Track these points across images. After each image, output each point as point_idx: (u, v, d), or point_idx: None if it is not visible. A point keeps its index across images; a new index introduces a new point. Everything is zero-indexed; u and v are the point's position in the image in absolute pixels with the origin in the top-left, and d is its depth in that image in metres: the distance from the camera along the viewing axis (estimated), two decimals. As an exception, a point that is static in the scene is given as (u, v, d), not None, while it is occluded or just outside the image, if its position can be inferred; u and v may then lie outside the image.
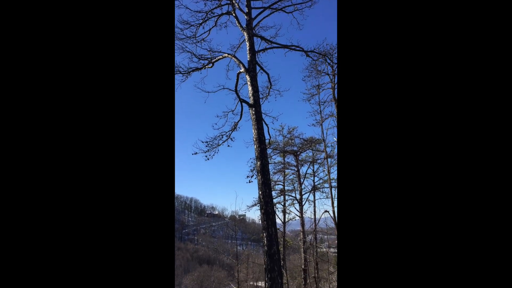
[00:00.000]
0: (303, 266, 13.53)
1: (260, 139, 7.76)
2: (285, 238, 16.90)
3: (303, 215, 15.13)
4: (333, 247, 17.46)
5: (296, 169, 16.74)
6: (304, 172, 16.91)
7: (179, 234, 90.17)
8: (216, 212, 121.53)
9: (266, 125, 9.18)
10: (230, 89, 8.21)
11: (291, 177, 17.58)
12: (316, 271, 13.33)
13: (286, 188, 17.23)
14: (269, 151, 15.99)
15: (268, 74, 8.87)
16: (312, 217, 15.29)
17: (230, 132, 9.94)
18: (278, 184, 17.60)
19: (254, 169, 12.90)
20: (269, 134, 10.70)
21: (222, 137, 9.92)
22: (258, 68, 8.40)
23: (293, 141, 16.37)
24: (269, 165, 16.83)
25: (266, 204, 7.09)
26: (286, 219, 16.64)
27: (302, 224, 14.91)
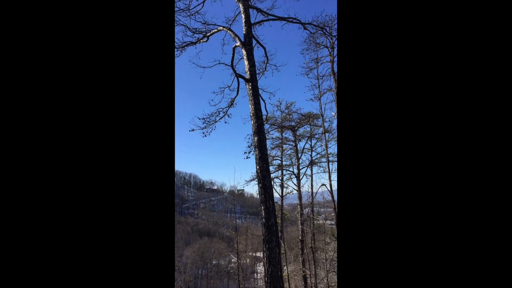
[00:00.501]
0: (300, 237, 14.04)
1: (257, 115, 7.75)
2: (282, 211, 17.38)
3: (301, 189, 15.45)
4: (329, 219, 18.02)
5: (294, 144, 16.85)
6: (302, 147, 17.05)
7: (179, 209, 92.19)
8: (215, 187, 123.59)
9: (263, 100, 9.11)
10: (226, 64, 8.05)
11: (289, 152, 17.74)
12: (312, 242, 13.86)
13: (284, 163, 17.44)
14: (266, 126, 16.00)
15: (264, 48, 8.67)
16: (310, 190, 15.63)
17: (227, 108, 9.88)
18: (276, 159, 17.80)
19: (251, 145, 12.99)
20: (266, 110, 10.63)
21: (219, 114, 9.86)
22: (254, 42, 8.20)
23: (291, 116, 16.34)
24: (267, 140, 16.92)
25: (263, 178, 7.24)
26: (284, 193, 17.01)
27: (300, 198, 15.27)
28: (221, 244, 46.48)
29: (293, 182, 16.71)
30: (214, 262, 41.37)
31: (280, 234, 15.18)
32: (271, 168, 17.48)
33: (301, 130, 17.03)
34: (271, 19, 8.26)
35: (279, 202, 17.25)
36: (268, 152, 17.53)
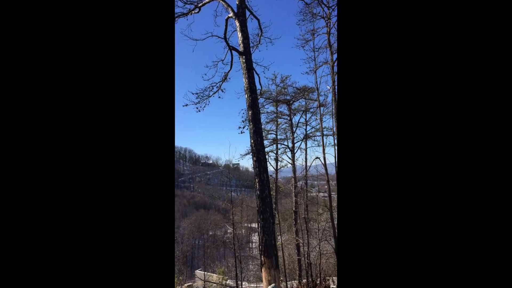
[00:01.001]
0: (294, 209, 14.51)
1: (251, 88, 7.71)
2: (277, 184, 17.77)
3: (295, 163, 15.73)
4: (322, 192, 18.52)
5: (288, 118, 16.89)
6: (297, 121, 17.10)
7: (175, 183, 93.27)
8: (211, 162, 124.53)
9: (257, 74, 9.01)
10: (219, 37, 7.84)
11: (284, 126, 17.81)
12: (306, 213, 14.35)
13: (279, 137, 17.56)
14: (261, 100, 15.90)
15: (258, 20, 8.42)
16: (304, 164, 15.92)
17: (221, 83, 9.77)
18: (270, 134, 17.90)
19: (245, 120, 12.99)
20: (260, 84, 10.54)
21: (213, 88, 9.77)
22: (248, 13, 7.94)
23: (286, 90, 16.21)
24: (262, 114, 16.92)
25: (258, 152, 7.37)
26: (279, 167, 17.29)
27: (294, 171, 15.57)
28: (217, 216, 47.80)
29: (287, 156, 16.96)
30: (210, 233, 42.81)
31: (274, 205, 15.64)
32: (266, 142, 17.66)
33: (296, 104, 17.00)
34: (265, -12, 7.97)
35: (274, 175, 17.58)
36: (263, 126, 17.59)
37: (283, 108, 17.22)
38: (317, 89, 11.07)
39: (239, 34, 7.46)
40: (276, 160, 17.25)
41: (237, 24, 7.48)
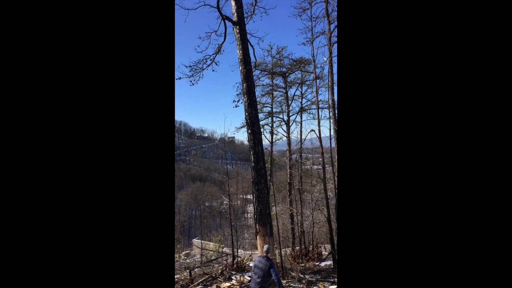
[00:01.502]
0: (288, 180, 14.84)
1: (246, 60, 7.60)
2: (272, 157, 18.00)
3: (290, 136, 15.84)
4: (316, 164, 18.84)
5: (284, 91, 16.72)
6: (292, 94, 16.96)
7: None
8: (206, 135, 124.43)
9: (252, 46, 8.82)
10: (211, 6, 7.55)
11: (279, 99, 17.68)
12: (300, 184, 14.71)
13: (274, 110, 17.49)
14: (257, 72, 15.64)
15: (254, -13, 8.08)
16: (299, 137, 16.05)
17: (214, 55, 9.57)
18: (266, 107, 17.79)
19: (240, 93, 12.86)
20: (254, 56, 10.34)
21: (206, 61, 9.60)
22: (242, -21, 7.61)
23: (282, 62, 15.89)
24: (257, 87, 16.72)
25: (252, 124, 7.43)
26: (274, 140, 17.40)
27: (289, 143, 15.73)
28: (213, 188, 48.74)
29: (282, 129, 17.02)
30: (207, 204, 43.89)
31: (269, 177, 15.97)
32: (261, 115, 17.63)
33: (292, 77, 16.77)
34: (261, -49, 7.58)
35: (269, 148, 17.75)
36: (258, 99, 17.47)
37: (278, 81, 17.01)
38: (314, 61, 10.90)
39: (233, 3, 7.20)
40: (272, 133, 17.32)
41: (232, -9, 7.20)
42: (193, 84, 10.22)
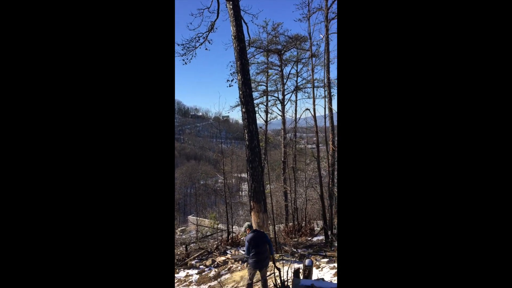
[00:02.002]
0: (282, 159, 15.01)
1: (239, 37, 7.45)
2: (267, 136, 18.07)
3: (285, 114, 15.82)
4: (310, 144, 19.00)
5: (279, 69, 16.51)
6: (288, 72, 16.77)
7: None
8: (200, 114, 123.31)
9: (246, 24, 8.60)
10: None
11: (274, 77, 17.48)
12: (294, 163, 14.91)
13: (269, 89, 17.35)
14: (251, 50, 15.33)
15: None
16: (293, 116, 16.05)
17: (207, 33, 9.33)
18: (261, 85, 17.61)
19: (234, 72, 12.65)
20: (248, 34, 10.12)
21: (199, 39, 9.38)
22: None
23: (277, 39, 15.54)
24: (252, 65, 16.44)
25: (246, 103, 7.40)
26: (269, 119, 17.40)
27: (283, 122, 15.75)
28: (208, 167, 49.09)
29: (277, 108, 16.98)
30: (201, 182, 44.34)
31: (263, 156, 16.12)
32: (256, 94, 17.49)
33: (287, 54, 16.49)
34: None
35: (264, 127, 17.79)
36: (253, 77, 17.26)
37: (274, 59, 16.73)
38: (310, 38, 10.69)
39: (228, -25, 6.95)
40: (266, 112, 17.28)
41: (226, -38, 6.92)
42: (186, 63, 10.03)
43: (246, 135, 7.42)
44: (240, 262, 7.62)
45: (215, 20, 9.09)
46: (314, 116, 10.42)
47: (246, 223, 4.97)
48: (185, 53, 9.52)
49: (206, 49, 10.24)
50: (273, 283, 4.46)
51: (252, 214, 7.43)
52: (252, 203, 7.37)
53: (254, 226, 7.32)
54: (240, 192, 33.84)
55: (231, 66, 16.18)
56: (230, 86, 13.42)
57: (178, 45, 9.05)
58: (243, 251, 4.70)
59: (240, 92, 7.55)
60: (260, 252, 4.59)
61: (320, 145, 10.85)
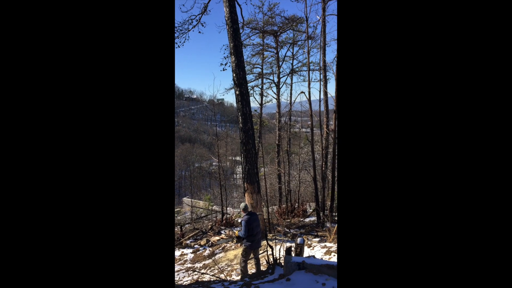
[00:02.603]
0: (277, 142, 15.09)
1: (233, 18, 7.32)
2: (261, 119, 18.05)
3: (280, 98, 15.76)
4: (304, 128, 19.08)
5: (275, 51, 16.27)
6: (283, 54, 16.56)
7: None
8: (195, 96, 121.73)
9: (239, 6, 8.43)
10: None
11: (270, 59, 17.25)
12: (288, 146, 15.02)
13: (265, 71, 17.15)
14: (247, 31, 15.03)
15: None
16: (288, 99, 16.01)
17: (200, 15, 9.13)
18: (256, 67, 17.39)
19: (228, 56, 12.44)
20: (242, 17, 9.95)
21: (192, 22, 9.20)
22: None
23: (273, 19, 15.23)
24: (248, 46, 16.17)
25: (240, 85, 7.36)
26: (263, 102, 17.32)
27: (278, 106, 15.71)
28: (202, 149, 49.13)
29: (272, 91, 16.91)
30: (196, 165, 44.52)
31: (258, 139, 16.20)
32: (251, 77, 17.32)
33: (283, 36, 16.22)
34: None
35: (259, 111, 17.73)
36: (249, 59, 17.01)
37: (269, 40, 16.45)
38: (306, 19, 10.51)
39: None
40: (261, 95, 17.17)
41: None
42: (178, 46, 9.87)
43: (240, 117, 7.43)
44: (234, 241, 7.83)
45: (208, 2, 8.88)
46: (309, 99, 10.42)
47: (243, 204, 5.14)
48: (177, 36, 9.37)
49: (199, 32, 10.15)
50: (266, 260, 4.63)
51: (246, 195, 7.56)
52: (246, 185, 7.48)
53: (248, 207, 7.47)
54: (235, 175, 34.13)
55: (225, 49, 15.86)
56: (224, 70, 13.27)
57: (171, 28, 8.84)
58: (237, 230, 4.88)
59: (234, 75, 7.49)
60: (257, 234, 4.84)
61: (314, 129, 10.92)
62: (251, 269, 5.18)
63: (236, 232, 5.13)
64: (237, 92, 7.40)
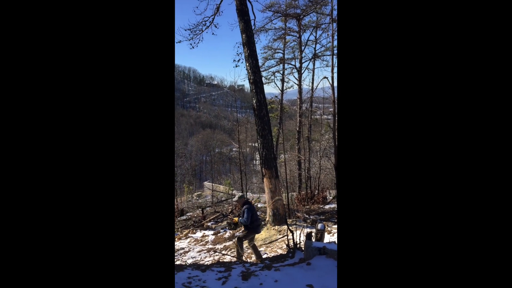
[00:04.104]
0: (297, 128, 14.96)
1: (243, 10, 7.61)
2: (282, 105, 17.88)
3: (301, 83, 15.47)
4: (326, 114, 18.71)
5: (297, 35, 15.85)
6: (306, 39, 16.13)
7: (181, 102, 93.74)
8: (215, 82, 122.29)
9: (250, 2, 8.68)
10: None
11: (292, 44, 16.86)
12: (309, 133, 14.85)
13: (286, 56, 16.83)
14: (269, 14, 14.73)
15: None
16: (310, 85, 15.69)
17: (213, 16, 9.44)
18: (278, 52, 17.08)
19: (240, 53, 12.43)
20: (253, 14, 10.26)
21: (205, 23, 9.59)
22: None
23: (296, 2, 14.77)
24: (269, 31, 15.90)
25: (254, 74, 7.56)
26: (285, 88, 17.09)
27: (300, 92, 15.46)
28: (223, 135, 49.71)
29: (294, 77, 16.55)
30: (217, 150, 45.26)
31: (278, 125, 16.13)
32: (272, 62, 17.05)
33: (306, 19, 15.72)
34: None
35: (279, 97, 17.55)
36: (270, 44, 16.72)
37: (292, 24, 16.01)
38: (331, 1, 10.11)
39: None
40: (282, 81, 16.93)
41: None
42: (193, 47, 10.30)
43: (255, 104, 7.60)
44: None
45: (220, 2, 9.22)
46: (332, 85, 10.14)
47: (239, 194, 5.32)
48: (192, 37, 9.78)
49: (213, 33, 10.79)
50: (286, 244, 4.70)
51: (264, 180, 7.63)
52: (264, 170, 7.56)
53: (267, 192, 7.55)
54: (254, 161, 34.38)
55: (238, 47, 15.69)
56: (236, 66, 13.56)
57: (186, 30, 9.51)
58: (239, 219, 5.12)
59: (247, 64, 7.72)
60: (256, 220, 5.11)
61: (337, 115, 10.69)
62: (249, 258, 5.31)
63: (236, 218, 5.33)
64: (251, 81, 7.64)
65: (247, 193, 13.58)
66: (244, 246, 5.25)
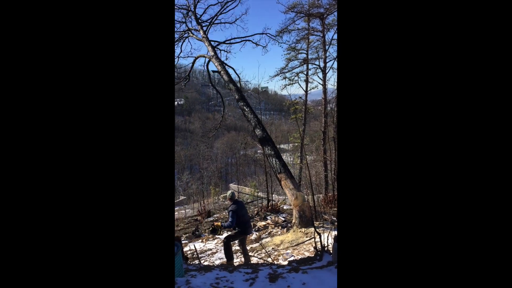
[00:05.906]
0: (322, 129, 14.73)
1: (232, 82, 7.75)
2: (306, 106, 17.71)
3: (326, 83, 15.24)
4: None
5: (321, 35, 15.66)
6: (330, 38, 15.85)
7: (206, 106, 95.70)
8: (239, 85, 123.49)
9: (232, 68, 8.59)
10: None
11: (316, 44, 16.67)
12: (334, 134, 14.56)
13: (310, 57, 16.67)
14: (292, 15, 14.68)
15: None
16: (335, 85, 15.41)
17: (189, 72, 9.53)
18: (301, 53, 16.97)
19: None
20: (237, 76, 10.33)
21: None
22: None
23: (320, 1, 14.61)
24: (292, 32, 15.84)
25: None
26: (309, 88, 16.92)
27: (324, 92, 15.23)
28: (247, 137, 50.14)
29: (318, 77, 16.36)
30: (241, 152, 45.67)
31: (303, 127, 15.96)
32: (296, 63, 16.96)
33: (330, 18, 15.49)
34: None
35: (303, 98, 17.39)
36: (293, 45, 16.63)
37: (315, 24, 15.85)
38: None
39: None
40: (306, 81, 16.78)
41: None
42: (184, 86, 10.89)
43: (256, 132, 8.53)
44: (280, 227, 7.96)
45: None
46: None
47: (229, 192, 5.03)
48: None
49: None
50: (313, 247, 4.64)
51: (281, 184, 7.85)
52: (278, 176, 7.87)
53: (288, 194, 7.53)
54: (279, 163, 34.34)
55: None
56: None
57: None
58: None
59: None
60: (246, 221, 4.82)
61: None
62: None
63: (219, 223, 4.92)
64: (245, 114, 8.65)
65: (273, 195, 13.56)
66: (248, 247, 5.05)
